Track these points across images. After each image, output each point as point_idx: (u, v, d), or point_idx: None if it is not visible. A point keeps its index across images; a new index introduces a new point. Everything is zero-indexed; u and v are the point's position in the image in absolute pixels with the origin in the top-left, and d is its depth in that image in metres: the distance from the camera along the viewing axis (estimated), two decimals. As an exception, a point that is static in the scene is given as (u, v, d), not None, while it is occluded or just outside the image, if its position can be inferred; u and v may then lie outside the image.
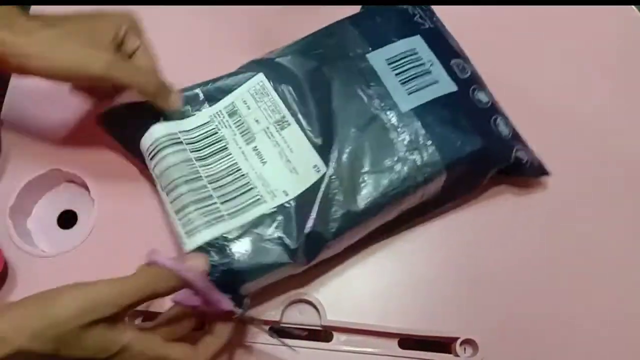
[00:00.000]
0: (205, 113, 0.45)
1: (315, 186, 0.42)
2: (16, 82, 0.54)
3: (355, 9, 0.53)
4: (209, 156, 0.44)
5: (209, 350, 0.37)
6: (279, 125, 0.44)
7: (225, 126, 0.45)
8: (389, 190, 0.43)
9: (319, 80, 0.46)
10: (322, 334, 0.45)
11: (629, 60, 0.56)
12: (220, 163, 0.43)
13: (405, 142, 0.44)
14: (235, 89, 0.46)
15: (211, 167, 0.43)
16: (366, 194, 0.42)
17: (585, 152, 0.52)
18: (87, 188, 0.50)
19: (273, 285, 0.45)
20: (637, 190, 0.50)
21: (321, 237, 0.42)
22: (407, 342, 0.44)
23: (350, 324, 0.44)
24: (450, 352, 0.44)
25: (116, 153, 0.51)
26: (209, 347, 0.37)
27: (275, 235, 0.41)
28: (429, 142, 0.44)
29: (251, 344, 0.44)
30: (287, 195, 0.42)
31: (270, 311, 0.44)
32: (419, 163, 0.43)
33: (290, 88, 0.46)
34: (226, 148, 0.44)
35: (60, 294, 0.33)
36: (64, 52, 0.40)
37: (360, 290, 0.46)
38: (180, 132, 0.44)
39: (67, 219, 0.50)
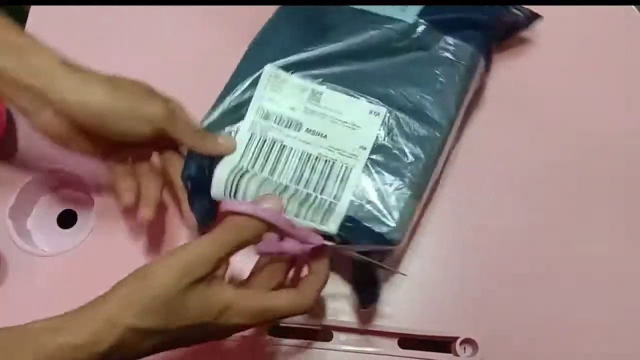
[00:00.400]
0: (243, 130, 0.44)
1: (385, 127, 0.43)
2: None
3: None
4: (277, 163, 0.43)
5: (313, 289, 0.36)
6: (313, 99, 0.45)
7: (269, 129, 0.44)
8: (447, 94, 0.44)
9: (323, 39, 0.46)
10: (322, 334, 0.45)
11: (629, 60, 0.56)
12: (291, 162, 0.43)
13: (433, 47, 0.46)
14: (252, 93, 0.45)
15: (287, 171, 0.43)
16: (432, 107, 0.44)
17: (584, 152, 0.52)
18: (87, 188, 0.50)
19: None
20: (636, 192, 0.51)
21: (425, 163, 0.42)
22: (407, 341, 0.45)
23: (350, 324, 0.44)
24: (450, 352, 0.44)
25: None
26: (312, 286, 0.36)
27: (386, 183, 0.42)
28: (450, 37, 0.46)
29: (251, 344, 0.44)
30: (365, 148, 0.43)
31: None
32: (453, 58, 0.45)
33: (300, 61, 0.46)
34: (285, 146, 0.43)
35: (155, 265, 0.33)
36: (122, 94, 0.39)
37: (360, 290, 0.46)
38: (238, 160, 0.43)
39: (67, 219, 0.50)
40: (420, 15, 0.47)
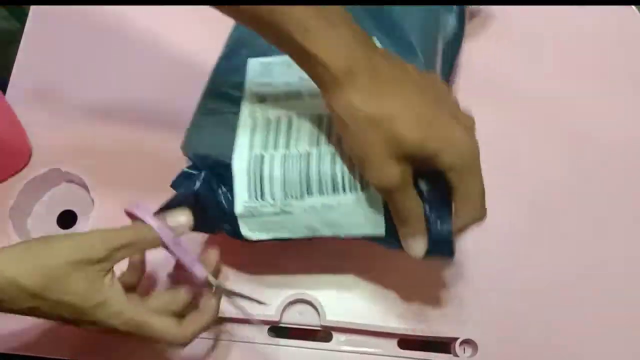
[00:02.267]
0: (244, 116, 0.41)
1: None
2: (16, 82, 0.54)
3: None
4: (290, 134, 0.40)
5: (194, 326, 0.37)
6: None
7: (269, 108, 0.41)
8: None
9: None
10: (322, 334, 0.45)
11: (629, 60, 0.56)
12: (304, 127, 0.40)
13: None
14: (240, 85, 0.43)
15: (303, 137, 0.40)
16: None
17: (585, 151, 0.52)
18: (87, 188, 0.50)
19: (272, 286, 0.45)
20: (636, 191, 0.51)
21: None
22: (407, 342, 0.45)
23: (350, 324, 0.44)
24: (449, 353, 0.44)
25: (116, 153, 0.51)
26: (194, 323, 0.37)
27: None
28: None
29: (251, 344, 0.44)
30: None
31: (270, 311, 0.44)
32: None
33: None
34: (292, 115, 0.41)
35: (58, 235, 0.34)
36: None
37: (360, 290, 0.46)
38: (249, 148, 0.40)
39: (67, 219, 0.50)
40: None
